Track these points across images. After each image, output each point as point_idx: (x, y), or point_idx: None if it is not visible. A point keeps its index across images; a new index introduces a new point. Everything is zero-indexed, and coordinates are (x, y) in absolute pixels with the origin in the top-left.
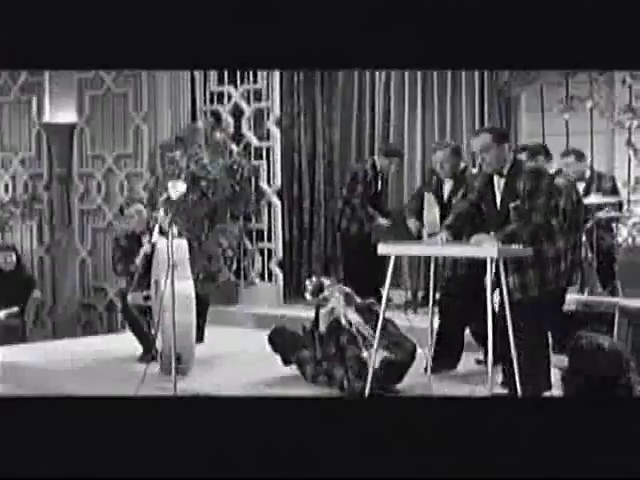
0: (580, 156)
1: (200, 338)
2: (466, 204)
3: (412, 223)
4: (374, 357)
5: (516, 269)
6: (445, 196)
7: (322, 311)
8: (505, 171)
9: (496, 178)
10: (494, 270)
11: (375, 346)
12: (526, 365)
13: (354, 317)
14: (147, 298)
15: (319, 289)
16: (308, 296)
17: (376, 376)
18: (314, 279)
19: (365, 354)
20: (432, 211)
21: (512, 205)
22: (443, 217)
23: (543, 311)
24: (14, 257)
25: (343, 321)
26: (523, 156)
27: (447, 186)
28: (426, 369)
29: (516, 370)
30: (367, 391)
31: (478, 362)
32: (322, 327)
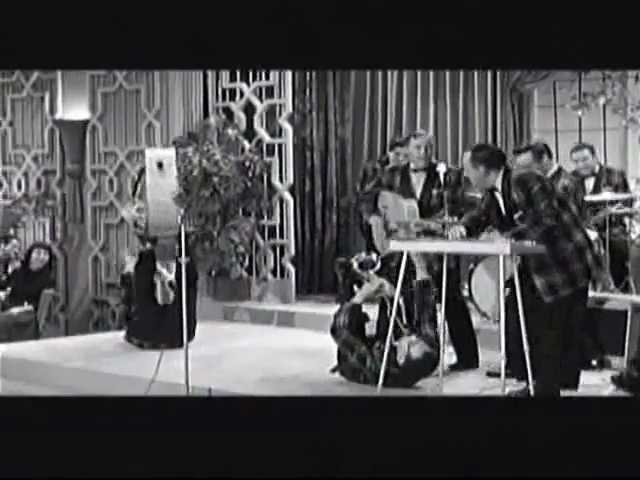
0: (593, 151)
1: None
2: (477, 212)
3: (374, 220)
4: (406, 349)
5: (540, 270)
6: (418, 190)
7: (367, 284)
8: (499, 186)
9: (497, 193)
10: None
11: (388, 340)
12: (555, 364)
13: (401, 302)
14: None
15: (372, 264)
16: (356, 266)
17: (415, 367)
18: (364, 254)
19: (396, 343)
20: (408, 203)
21: (516, 217)
22: (421, 211)
23: (572, 309)
24: (47, 256)
25: (387, 301)
26: (529, 155)
27: (415, 180)
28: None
29: (529, 368)
30: (381, 379)
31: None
32: (358, 299)
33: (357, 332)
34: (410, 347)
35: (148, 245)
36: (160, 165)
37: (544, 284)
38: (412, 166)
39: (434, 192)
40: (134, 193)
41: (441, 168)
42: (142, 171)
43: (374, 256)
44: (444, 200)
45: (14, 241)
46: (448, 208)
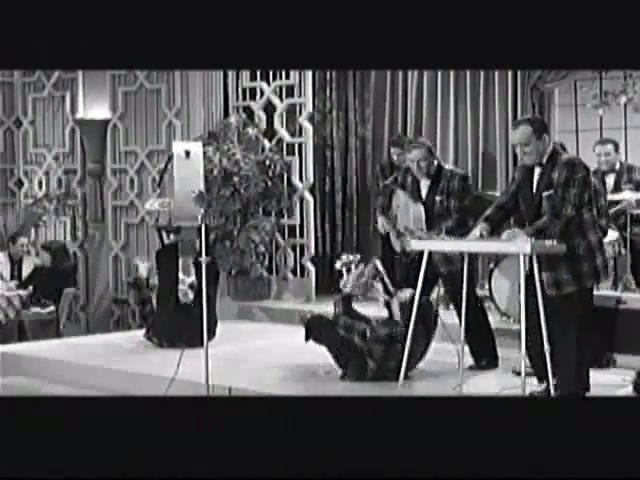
0: (617, 147)
1: (213, 332)
2: (505, 197)
3: (380, 222)
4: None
5: (549, 266)
6: (423, 194)
7: (354, 271)
8: (544, 161)
9: (536, 169)
10: (528, 266)
11: (410, 333)
12: (562, 364)
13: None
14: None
15: (349, 266)
16: (338, 266)
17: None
18: (344, 256)
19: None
20: (416, 208)
21: (545, 194)
22: (427, 216)
23: (578, 308)
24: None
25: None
26: None
27: (423, 184)
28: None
29: (549, 368)
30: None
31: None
32: (347, 289)
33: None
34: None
35: (172, 237)
36: (188, 153)
37: (549, 278)
38: None
39: (437, 199)
40: (160, 184)
41: (445, 172)
42: (169, 159)
43: (356, 257)
44: (449, 209)
45: (22, 239)
46: (455, 218)
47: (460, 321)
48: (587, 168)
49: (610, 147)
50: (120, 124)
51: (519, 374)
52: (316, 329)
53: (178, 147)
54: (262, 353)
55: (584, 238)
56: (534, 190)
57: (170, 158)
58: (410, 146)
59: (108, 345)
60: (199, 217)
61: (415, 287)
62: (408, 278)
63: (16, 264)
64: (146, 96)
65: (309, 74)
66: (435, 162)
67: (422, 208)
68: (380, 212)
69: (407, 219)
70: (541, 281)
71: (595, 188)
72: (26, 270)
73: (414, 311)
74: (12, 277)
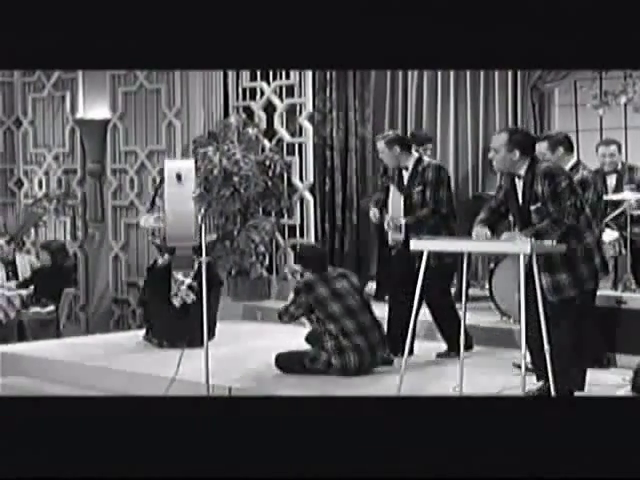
0: (620, 148)
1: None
2: (495, 203)
3: (371, 212)
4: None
5: (548, 269)
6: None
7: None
8: (522, 173)
9: (517, 180)
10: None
11: (410, 333)
12: (561, 364)
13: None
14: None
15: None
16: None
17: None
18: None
19: None
20: (398, 199)
21: (533, 208)
22: (405, 206)
23: (578, 310)
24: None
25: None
26: (544, 145)
27: (405, 177)
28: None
29: (549, 367)
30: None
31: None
32: None
33: None
34: None
35: (166, 256)
36: (179, 177)
37: (550, 283)
38: None
39: (415, 190)
40: (153, 204)
41: (423, 164)
42: (161, 181)
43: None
44: (426, 199)
45: None
46: (430, 208)
47: (462, 317)
48: (568, 174)
49: (614, 148)
50: (120, 124)
51: (519, 367)
52: (286, 365)
53: (170, 169)
54: (262, 353)
55: (580, 241)
56: (520, 202)
57: (162, 181)
58: (376, 138)
59: (108, 345)
60: (192, 238)
61: (399, 281)
62: (394, 271)
63: (10, 264)
64: (146, 96)
65: (309, 74)
66: (415, 154)
67: (402, 199)
68: (374, 204)
69: (389, 210)
70: (541, 285)
71: (589, 187)
72: (21, 269)
73: (414, 310)
74: (8, 277)
